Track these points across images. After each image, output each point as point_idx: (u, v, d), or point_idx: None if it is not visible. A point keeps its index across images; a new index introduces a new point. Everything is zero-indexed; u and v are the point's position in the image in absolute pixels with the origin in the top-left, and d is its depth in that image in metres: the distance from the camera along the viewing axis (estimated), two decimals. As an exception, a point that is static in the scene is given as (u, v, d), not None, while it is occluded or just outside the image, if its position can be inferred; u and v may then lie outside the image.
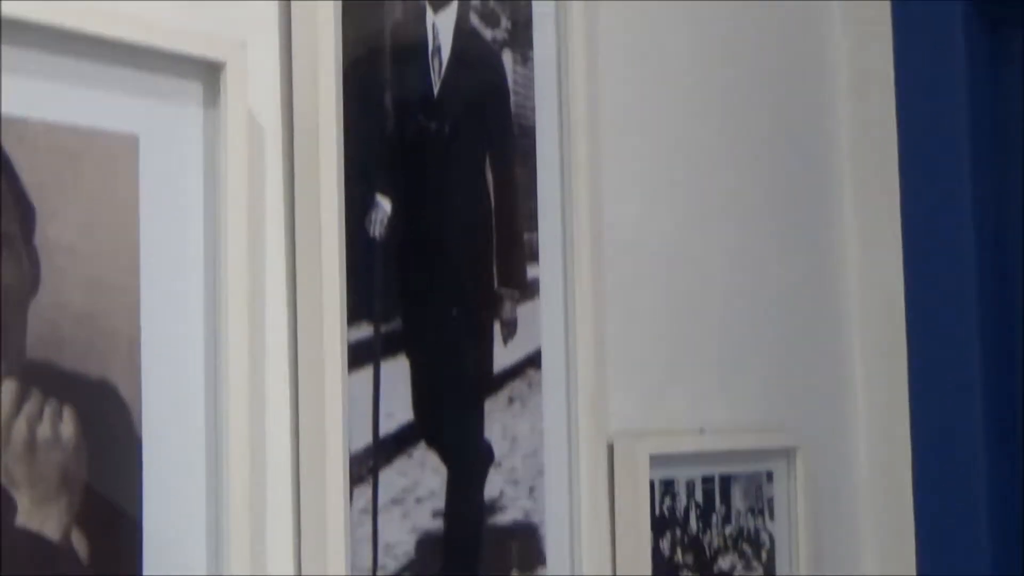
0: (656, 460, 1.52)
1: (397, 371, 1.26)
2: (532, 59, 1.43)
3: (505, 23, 1.41)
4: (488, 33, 1.39)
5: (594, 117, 1.50)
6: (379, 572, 1.22)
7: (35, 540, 0.98)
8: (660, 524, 1.55)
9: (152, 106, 1.08)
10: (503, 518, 1.36)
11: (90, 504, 1.02)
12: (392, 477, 1.24)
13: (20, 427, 0.98)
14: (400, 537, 1.25)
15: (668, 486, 1.56)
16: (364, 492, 1.22)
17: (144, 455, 1.05)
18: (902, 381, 1.91)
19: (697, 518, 1.61)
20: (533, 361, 1.41)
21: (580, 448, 1.43)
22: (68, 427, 1.01)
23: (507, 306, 1.38)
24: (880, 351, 1.94)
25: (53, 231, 1.01)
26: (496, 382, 1.36)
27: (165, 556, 1.06)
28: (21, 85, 0.99)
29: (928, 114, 1.89)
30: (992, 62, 1.91)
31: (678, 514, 1.58)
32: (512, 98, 1.41)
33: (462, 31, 1.35)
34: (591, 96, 1.49)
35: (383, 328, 1.25)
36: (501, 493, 1.36)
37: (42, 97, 1.01)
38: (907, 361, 1.90)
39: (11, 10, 0.97)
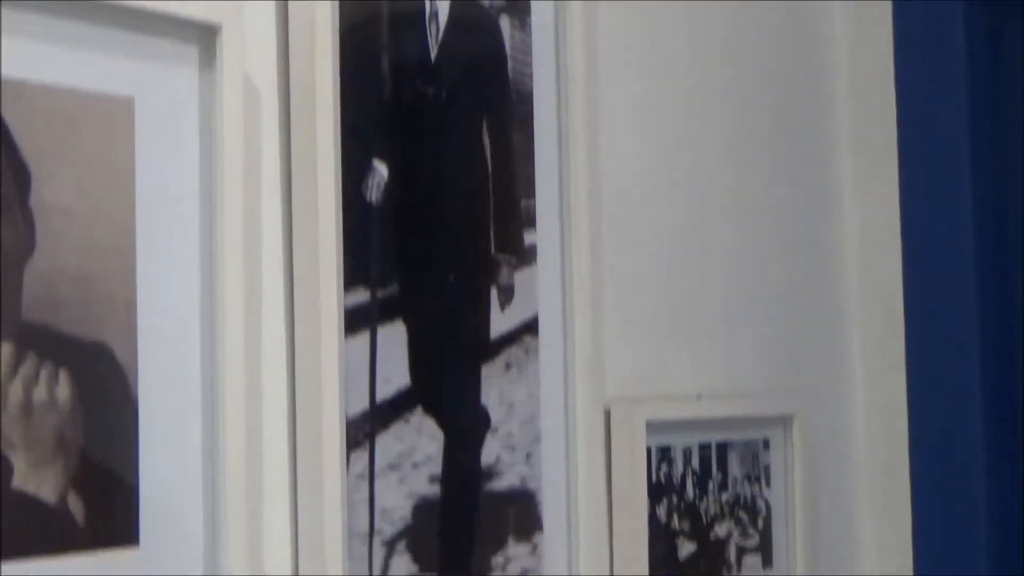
0: (653, 426, 1.52)
1: (394, 336, 1.26)
2: (530, 25, 1.43)
3: (503, -12, 1.40)
4: (486, -2, 1.38)
5: (592, 83, 1.50)
6: (376, 536, 1.23)
7: (31, 502, 0.99)
8: (657, 491, 1.55)
9: (148, 69, 1.08)
10: (500, 484, 1.36)
11: (86, 467, 1.02)
12: (389, 442, 1.24)
13: (16, 390, 0.98)
14: (397, 502, 1.25)
15: (665, 452, 1.56)
16: (361, 457, 1.22)
17: (140, 417, 1.06)
18: (899, 349, 1.91)
19: (694, 485, 1.61)
20: (530, 327, 1.41)
21: (577, 414, 1.44)
22: (64, 390, 1.01)
23: (504, 272, 1.38)
24: (878, 319, 1.94)
25: (49, 193, 1.01)
26: (493, 348, 1.37)
27: (161, 519, 1.06)
28: (17, 47, 0.99)
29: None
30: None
31: (675, 481, 1.58)
32: (510, 64, 1.41)
33: (460, -4, 1.35)
34: (589, 62, 1.49)
35: (380, 293, 1.25)
36: (498, 459, 1.36)
37: (38, 59, 1.01)
38: (904, 329, 1.90)
39: (6, -29, 0.97)
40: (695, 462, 1.61)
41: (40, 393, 0.99)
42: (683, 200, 1.67)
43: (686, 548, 1.60)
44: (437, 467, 1.29)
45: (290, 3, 1.19)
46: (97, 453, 1.02)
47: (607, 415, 1.50)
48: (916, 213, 1.91)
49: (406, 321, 1.27)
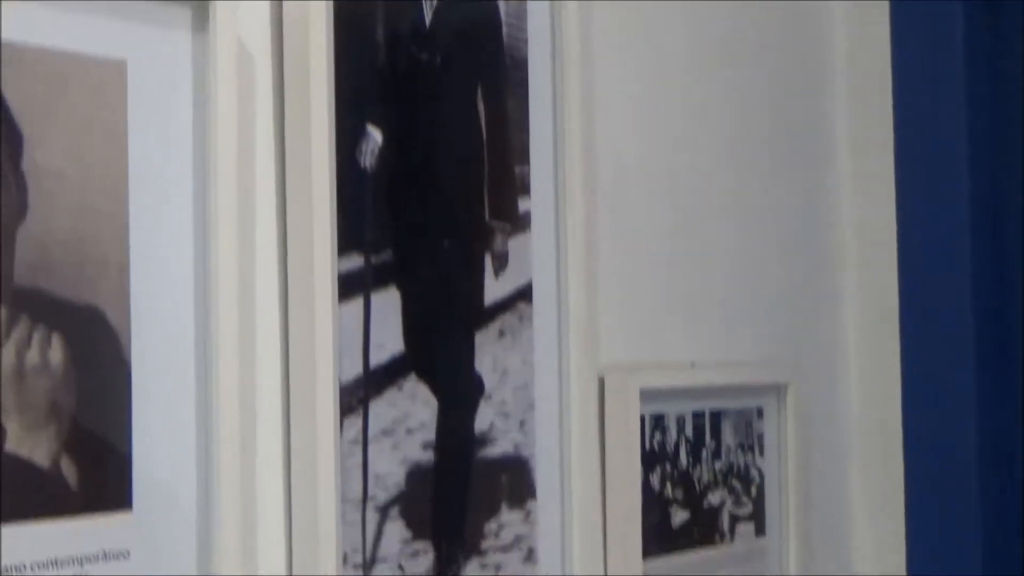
0: (647, 394, 1.52)
1: (388, 302, 1.26)
2: (525, -10, 1.42)
3: (498, -47, 1.40)
4: (481, -37, 1.38)
5: (587, 49, 1.49)
6: (369, 502, 1.23)
7: (25, 466, 0.98)
8: (650, 459, 1.55)
9: (141, 32, 1.07)
10: (493, 451, 1.36)
11: (79, 431, 1.02)
12: (382, 408, 1.24)
13: (8, 353, 0.98)
14: (390, 468, 1.25)
15: (658, 421, 1.56)
16: (354, 423, 1.22)
17: (133, 381, 1.05)
18: (893, 318, 1.91)
19: (687, 453, 1.61)
20: (524, 294, 1.41)
21: (571, 382, 1.43)
22: (57, 353, 1.01)
23: (498, 239, 1.38)
24: (872, 288, 1.94)
25: (41, 156, 1.00)
26: (487, 315, 1.36)
27: (154, 483, 1.06)
28: (9, 9, 0.98)
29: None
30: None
31: (668, 449, 1.58)
32: (504, 30, 1.40)
33: (454, -39, 1.34)
34: (584, 27, 1.48)
35: (374, 259, 1.24)
36: (491, 426, 1.36)
37: (30, 22, 1.00)
38: (898, 298, 1.91)
39: (-3, -68, 0.96)
40: (689, 430, 1.61)
41: (33, 357, 0.99)
42: (679, 168, 1.66)
43: (679, 516, 1.60)
44: (431, 433, 1.29)
45: (284, -34, 1.19)
46: (90, 417, 1.02)
47: (601, 383, 1.50)
48: (911, 197, 1.91)
49: (400, 287, 1.27)
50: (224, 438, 1.09)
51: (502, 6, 1.40)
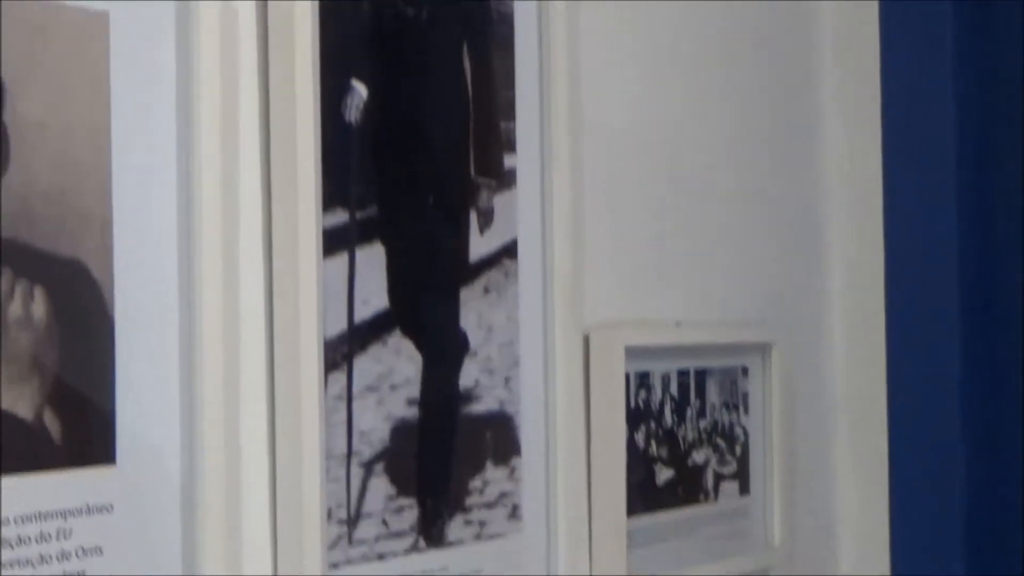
0: (632, 352, 1.52)
1: (373, 258, 1.25)
2: (511, -55, 1.41)
3: (484, -93, 1.38)
4: (467, -83, 1.37)
5: (573, 4, 1.49)
6: (354, 458, 1.22)
7: (8, 419, 0.98)
8: (635, 417, 1.55)
9: (123, -17, 1.06)
10: (478, 407, 1.36)
11: (62, 386, 1.01)
12: (367, 364, 1.24)
13: (-9, 306, 0.97)
14: (375, 424, 1.25)
15: (643, 379, 1.56)
16: (339, 378, 1.21)
17: (116, 335, 1.05)
18: (878, 277, 1.91)
19: (672, 411, 1.61)
20: (509, 251, 1.40)
21: (556, 339, 1.43)
22: (40, 307, 1.00)
23: (484, 195, 1.37)
24: (857, 248, 1.94)
25: (23, 107, 0.99)
26: (472, 271, 1.36)
27: (138, 437, 1.06)
28: (-12, -42, 0.98)
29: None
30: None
31: (653, 407, 1.59)
32: (490, -15, 1.39)
33: (440, -86, 1.33)
34: (571, -17, 1.48)
35: (359, 215, 1.24)
36: (476, 383, 1.36)
37: (10, -29, 0.99)
38: (884, 256, 1.91)
39: None
40: (674, 388, 1.61)
41: (15, 309, 0.98)
42: (666, 126, 1.66)
43: (664, 474, 1.60)
44: (415, 390, 1.29)
45: (268, -82, 1.18)
46: (73, 371, 1.02)
47: (586, 340, 1.50)
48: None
49: (385, 243, 1.26)
50: (208, 393, 1.08)
51: (488, -39, 1.39)
